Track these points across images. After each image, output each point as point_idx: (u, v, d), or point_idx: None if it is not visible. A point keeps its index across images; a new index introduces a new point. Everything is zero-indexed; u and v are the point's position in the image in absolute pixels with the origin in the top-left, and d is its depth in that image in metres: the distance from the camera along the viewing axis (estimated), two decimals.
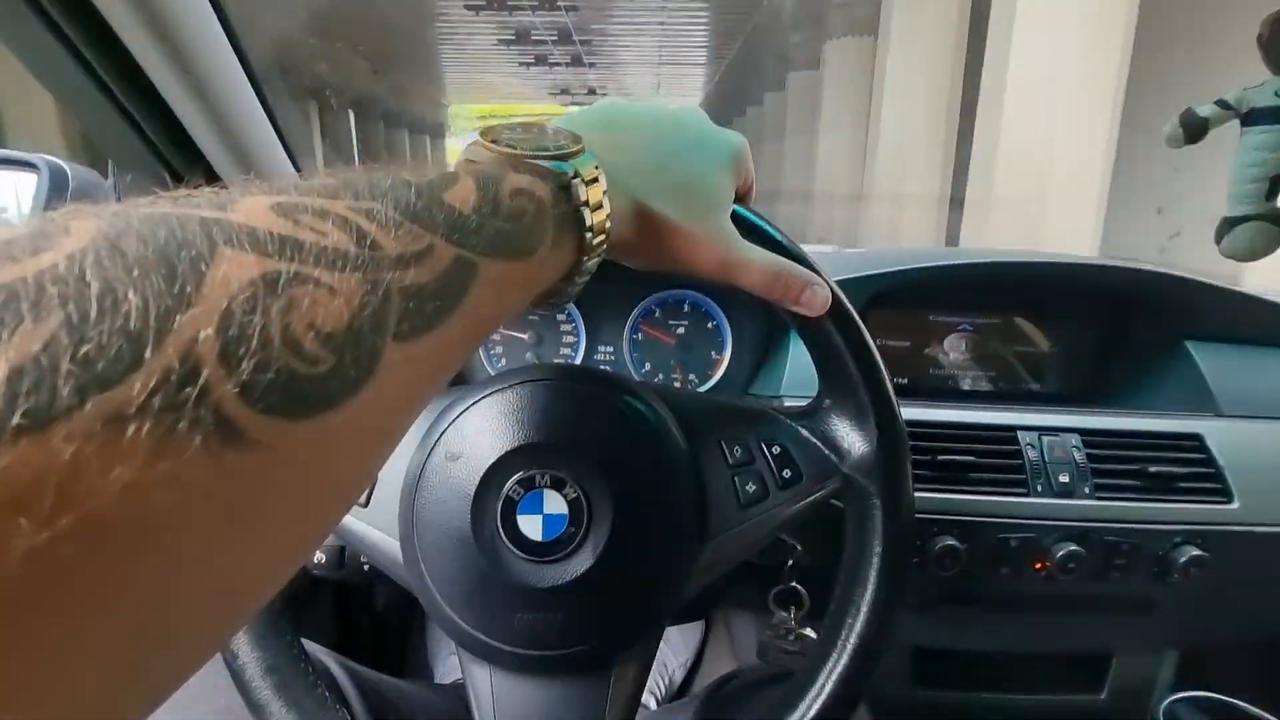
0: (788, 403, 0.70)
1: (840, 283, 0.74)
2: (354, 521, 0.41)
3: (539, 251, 0.26)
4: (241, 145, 0.64)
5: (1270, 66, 0.55)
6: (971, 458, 0.65)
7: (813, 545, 0.62)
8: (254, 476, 0.15)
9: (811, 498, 0.41)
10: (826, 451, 0.41)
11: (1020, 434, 0.67)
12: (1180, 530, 0.63)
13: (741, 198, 0.38)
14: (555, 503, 0.37)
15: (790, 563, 0.58)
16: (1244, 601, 0.68)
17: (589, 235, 0.28)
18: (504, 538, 0.36)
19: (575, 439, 0.38)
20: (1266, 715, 0.67)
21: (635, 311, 0.81)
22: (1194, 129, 0.60)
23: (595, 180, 0.28)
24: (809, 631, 0.56)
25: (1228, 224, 0.60)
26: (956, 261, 0.75)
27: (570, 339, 0.83)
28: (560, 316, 0.83)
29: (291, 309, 0.16)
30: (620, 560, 0.37)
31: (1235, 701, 0.70)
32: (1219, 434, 0.67)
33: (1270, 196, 0.58)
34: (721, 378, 0.80)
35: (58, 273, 0.13)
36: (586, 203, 0.28)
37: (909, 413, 0.69)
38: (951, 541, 0.63)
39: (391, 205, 0.20)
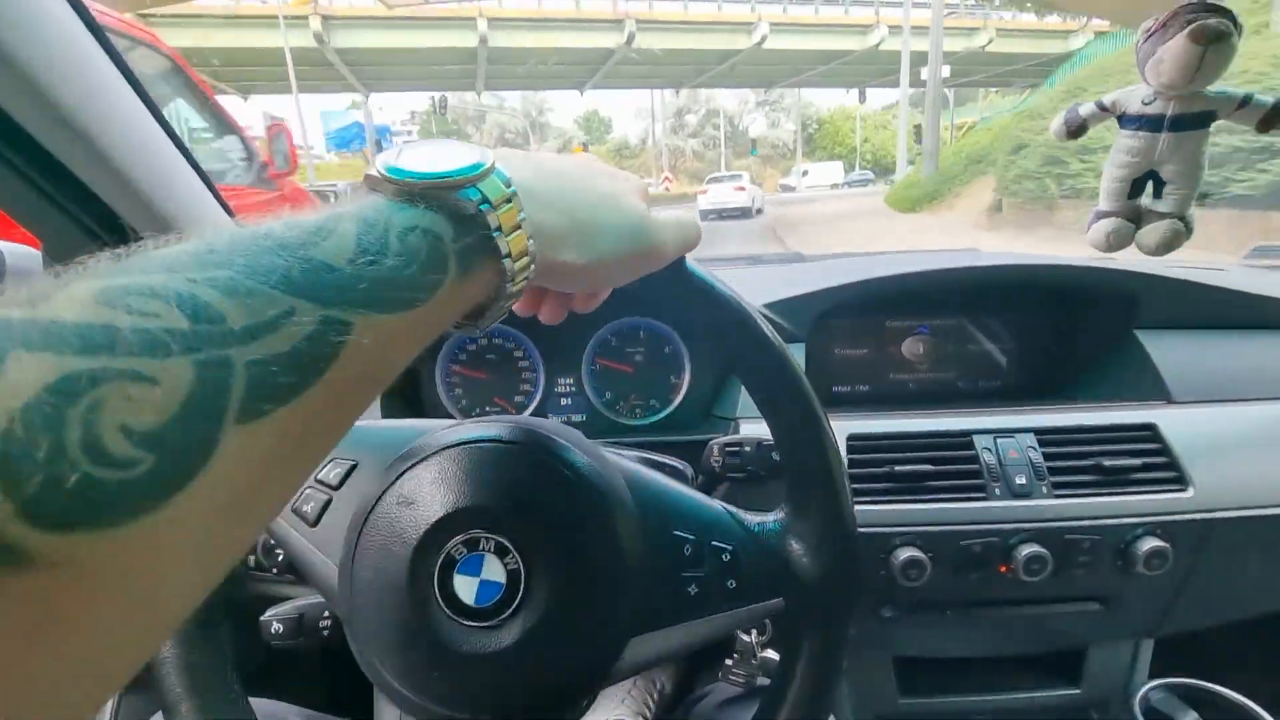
0: (744, 427, 0.70)
1: (795, 300, 0.76)
2: (298, 538, 0.41)
3: (436, 295, 0.23)
4: (161, 203, 0.64)
5: (1142, 76, 0.58)
6: (929, 466, 0.65)
7: None
8: (53, 595, 0.14)
9: (752, 611, 0.40)
10: (776, 569, 0.40)
11: (976, 438, 0.67)
12: (1139, 523, 0.64)
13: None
14: (494, 569, 0.37)
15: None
16: (1209, 588, 0.68)
17: (508, 262, 0.26)
18: (437, 593, 0.36)
19: (529, 510, 0.38)
20: (1241, 698, 0.67)
21: (591, 343, 0.81)
22: (1074, 126, 0.61)
23: (509, 201, 0.26)
24: (770, 654, 0.56)
25: (1096, 216, 0.62)
26: (905, 270, 0.75)
27: (529, 374, 0.83)
28: (518, 354, 0.83)
29: (96, 410, 0.15)
30: (546, 641, 0.36)
31: (1211, 686, 0.70)
32: (1172, 422, 0.68)
33: (1131, 196, 0.60)
34: (683, 400, 0.80)
35: None
36: (499, 228, 0.25)
37: (865, 426, 0.70)
38: (915, 553, 0.63)
39: (243, 269, 0.19)
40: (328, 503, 0.42)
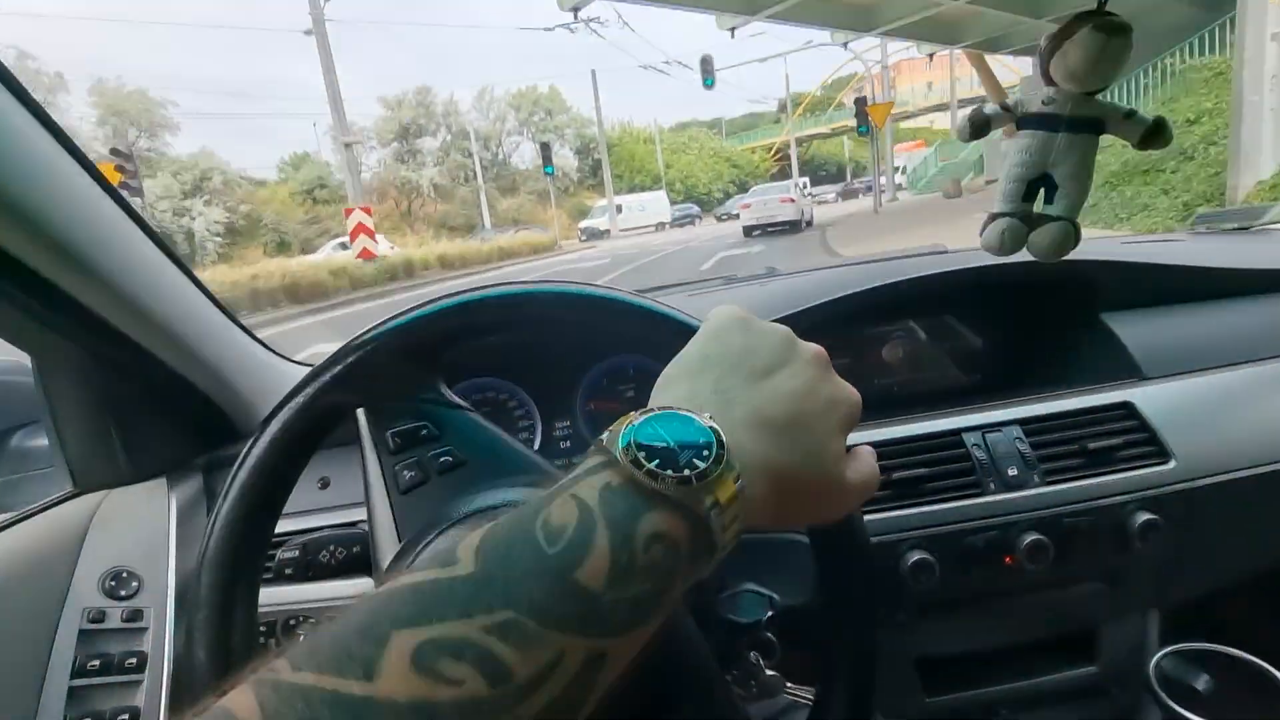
0: None
1: (775, 322, 0.78)
2: (382, 503, 0.46)
3: (667, 603, 0.24)
4: (159, 313, 0.65)
5: (1044, 79, 0.61)
6: (924, 469, 0.67)
7: (788, 588, 0.63)
8: None
9: None
10: None
11: (965, 435, 0.70)
12: (1130, 499, 0.66)
13: None
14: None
15: (769, 615, 0.59)
16: (1203, 554, 0.71)
17: (721, 553, 0.26)
18: None
19: None
20: (1251, 657, 0.70)
21: (583, 386, 0.83)
22: (978, 126, 0.64)
23: (734, 499, 0.26)
24: (771, 672, 0.57)
25: (989, 219, 0.65)
26: (878, 283, 0.78)
27: (525, 422, 0.84)
28: (511, 403, 0.84)
29: None
30: None
31: (1221, 648, 0.72)
32: (1146, 398, 0.71)
33: (1027, 198, 0.63)
34: None
35: None
36: (724, 527, 0.26)
37: (859, 436, 0.71)
38: (922, 555, 0.65)
39: (526, 607, 0.21)
40: (423, 481, 0.45)
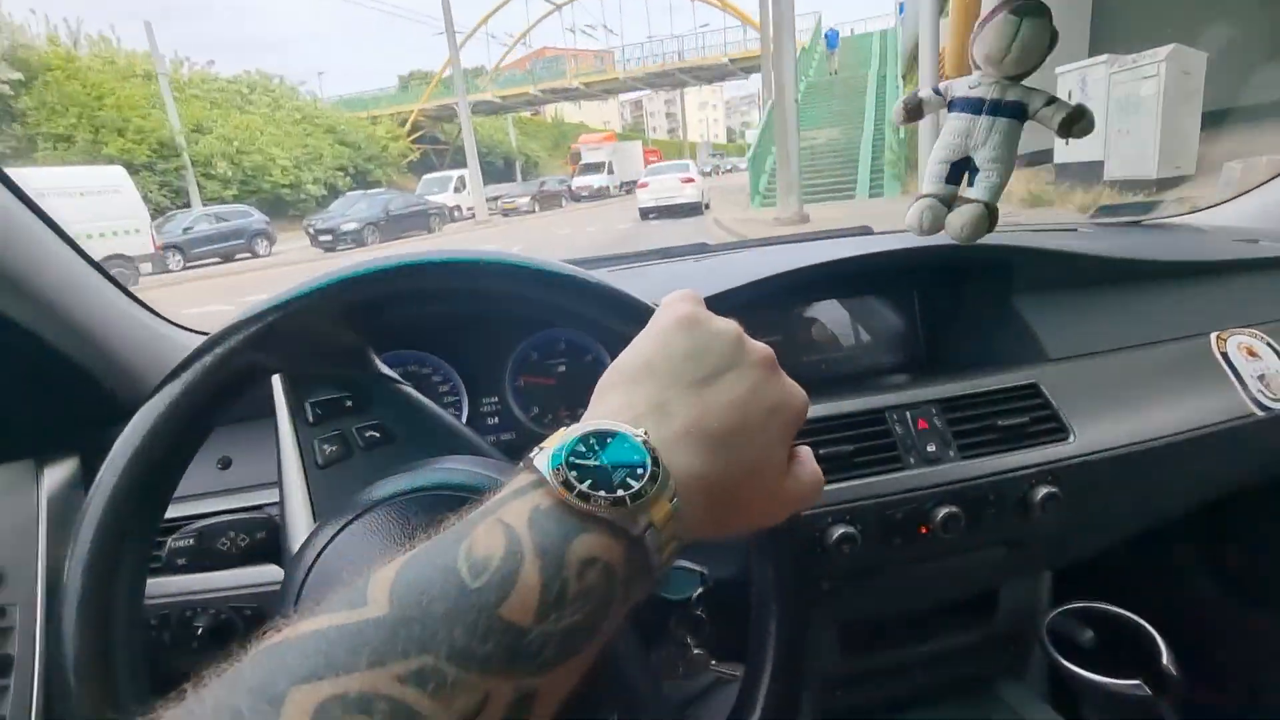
0: None
1: (709, 300, 0.78)
2: (297, 478, 0.42)
3: (604, 630, 0.23)
4: (13, 270, 0.57)
5: (972, 63, 0.63)
6: (850, 446, 0.69)
7: (718, 561, 0.64)
8: None
9: None
10: None
11: (888, 414, 0.72)
12: (1033, 473, 0.70)
13: None
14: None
15: (700, 591, 0.59)
16: (1093, 520, 0.77)
17: (658, 574, 0.26)
18: None
19: None
20: (1128, 613, 0.77)
21: (512, 360, 0.80)
22: (912, 110, 0.66)
23: (670, 518, 0.25)
24: (698, 651, 0.58)
25: (914, 199, 0.68)
26: (809, 263, 0.79)
27: (451, 398, 0.81)
28: (436, 378, 0.80)
29: None
30: None
31: (1103, 606, 0.79)
32: (1050, 378, 0.76)
33: (951, 180, 0.66)
34: None
35: None
36: (659, 547, 0.25)
37: None
38: (846, 528, 0.67)
39: (446, 651, 0.19)
40: (345, 456, 0.42)
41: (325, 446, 0.42)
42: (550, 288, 0.41)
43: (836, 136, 12.95)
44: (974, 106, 0.63)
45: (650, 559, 0.25)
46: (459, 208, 18.21)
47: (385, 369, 0.46)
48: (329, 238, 13.13)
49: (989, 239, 0.82)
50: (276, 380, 0.44)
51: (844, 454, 0.69)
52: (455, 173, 19.04)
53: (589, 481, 0.24)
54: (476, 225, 16.94)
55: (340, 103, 29.49)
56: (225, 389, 0.39)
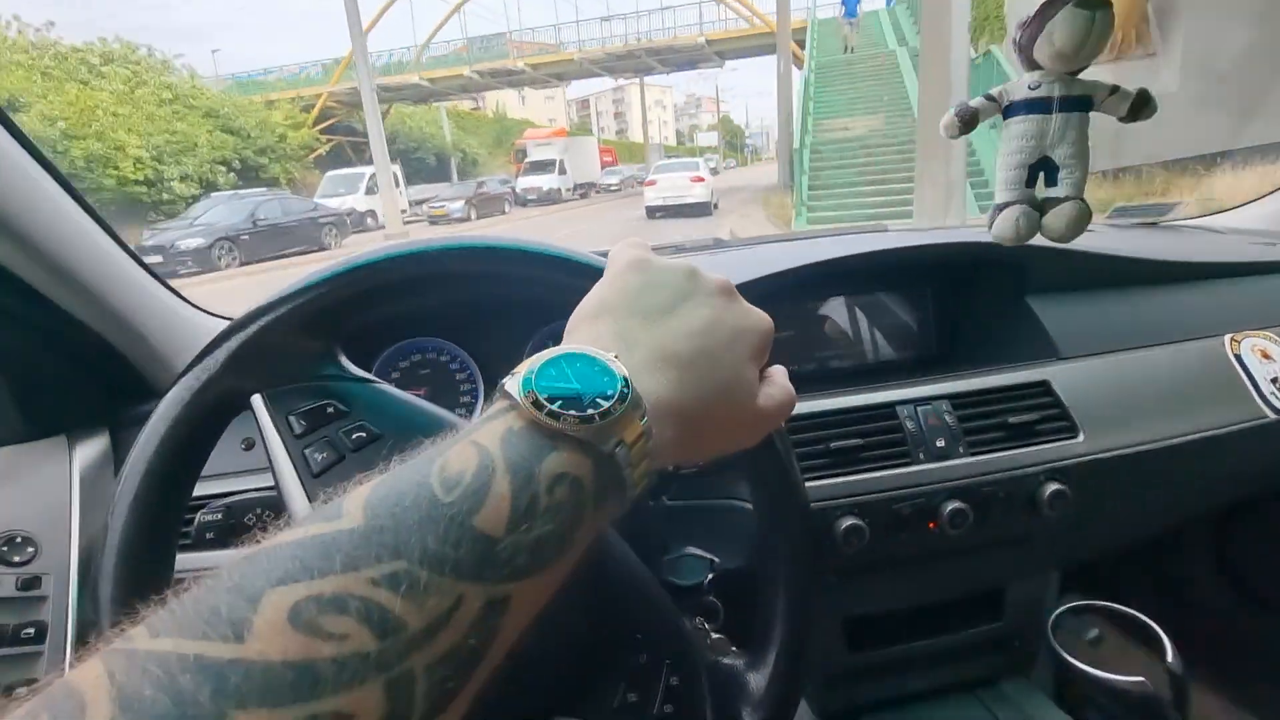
0: None
1: None
2: (294, 484, 0.42)
3: (576, 542, 0.24)
4: (58, 255, 0.59)
5: (1025, 65, 0.63)
6: (859, 440, 0.70)
7: (728, 552, 0.65)
8: None
9: None
10: (715, 712, 0.40)
11: (898, 409, 0.73)
12: (1042, 470, 0.71)
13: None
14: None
15: (710, 577, 0.60)
16: (1102, 520, 0.77)
17: (630, 492, 0.26)
18: None
19: None
20: (1133, 611, 0.77)
21: (529, 347, 0.81)
22: (966, 119, 0.66)
23: (640, 438, 0.25)
24: (718, 635, 0.59)
25: (997, 209, 0.67)
26: (828, 257, 0.79)
27: (468, 385, 0.82)
28: (454, 365, 0.82)
29: None
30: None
31: (1108, 604, 0.80)
32: (1061, 377, 0.76)
33: (1029, 184, 0.65)
34: None
35: None
36: (630, 464, 0.25)
37: (802, 406, 0.74)
38: (854, 521, 0.67)
39: (418, 556, 0.20)
40: (337, 461, 0.42)
41: (316, 455, 0.43)
42: (500, 261, 0.41)
43: (879, 126, 10.33)
44: (1041, 106, 0.63)
45: (622, 475, 0.25)
46: (373, 213, 14.92)
47: (358, 370, 0.46)
48: (159, 258, 8.85)
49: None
50: (257, 400, 0.44)
51: (854, 447, 0.70)
52: (369, 169, 14.96)
53: (559, 402, 0.24)
54: (389, 238, 10.27)
55: (234, 85, 24.06)
56: (211, 416, 0.40)
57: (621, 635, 0.39)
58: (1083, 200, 0.66)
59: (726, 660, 0.42)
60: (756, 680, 0.42)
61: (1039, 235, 0.71)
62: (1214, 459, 0.77)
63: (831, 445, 0.70)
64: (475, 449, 0.23)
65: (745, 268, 0.81)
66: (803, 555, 0.43)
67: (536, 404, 0.24)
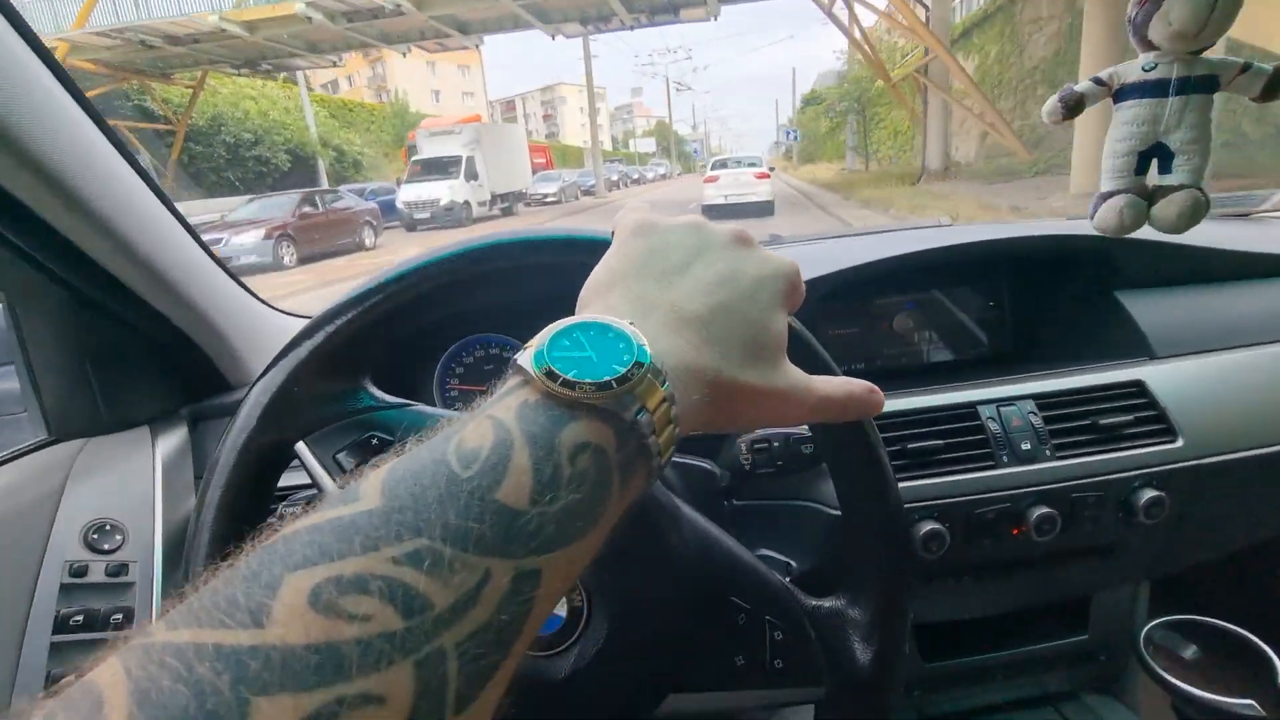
0: None
1: None
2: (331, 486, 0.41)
3: (605, 514, 0.23)
4: (146, 255, 0.60)
5: (1139, 46, 0.58)
6: (939, 441, 0.67)
7: (801, 554, 0.63)
8: None
9: (792, 694, 0.39)
10: (824, 657, 0.39)
11: (980, 409, 0.69)
12: (1137, 475, 0.67)
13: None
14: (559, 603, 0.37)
15: (787, 580, 0.58)
16: (1201, 529, 0.72)
17: (656, 460, 0.25)
18: None
19: (611, 549, 0.37)
20: (1235, 627, 0.72)
21: None
22: (1072, 104, 0.62)
23: (663, 402, 0.24)
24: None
25: (1100, 199, 0.63)
26: (893, 253, 0.77)
27: None
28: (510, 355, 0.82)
29: None
30: (593, 682, 0.36)
31: (1207, 619, 0.75)
32: (1157, 377, 0.71)
33: (1139, 171, 0.60)
34: None
35: None
36: (654, 430, 0.24)
37: None
38: (934, 525, 0.64)
39: (440, 533, 0.19)
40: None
41: None
42: (507, 256, 0.40)
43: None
44: (1157, 89, 0.58)
45: (647, 443, 0.24)
46: None
47: (389, 397, 0.45)
48: None
49: (1083, 228, 0.78)
50: (301, 447, 0.43)
51: (933, 448, 0.67)
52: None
53: (574, 371, 0.23)
54: None
55: None
56: (264, 466, 0.40)
57: (715, 602, 0.38)
58: (1200, 189, 0.61)
59: (827, 603, 0.40)
60: (860, 614, 0.40)
61: (1146, 227, 0.66)
62: None
63: (909, 446, 0.67)
64: (491, 423, 0.22)
65: (808, 265, 0.78)
66: (892, 494, 0.41)
67: (550, 375, 0.23)
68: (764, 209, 11.72)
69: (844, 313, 0.87)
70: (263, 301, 0.81)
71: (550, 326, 0.25)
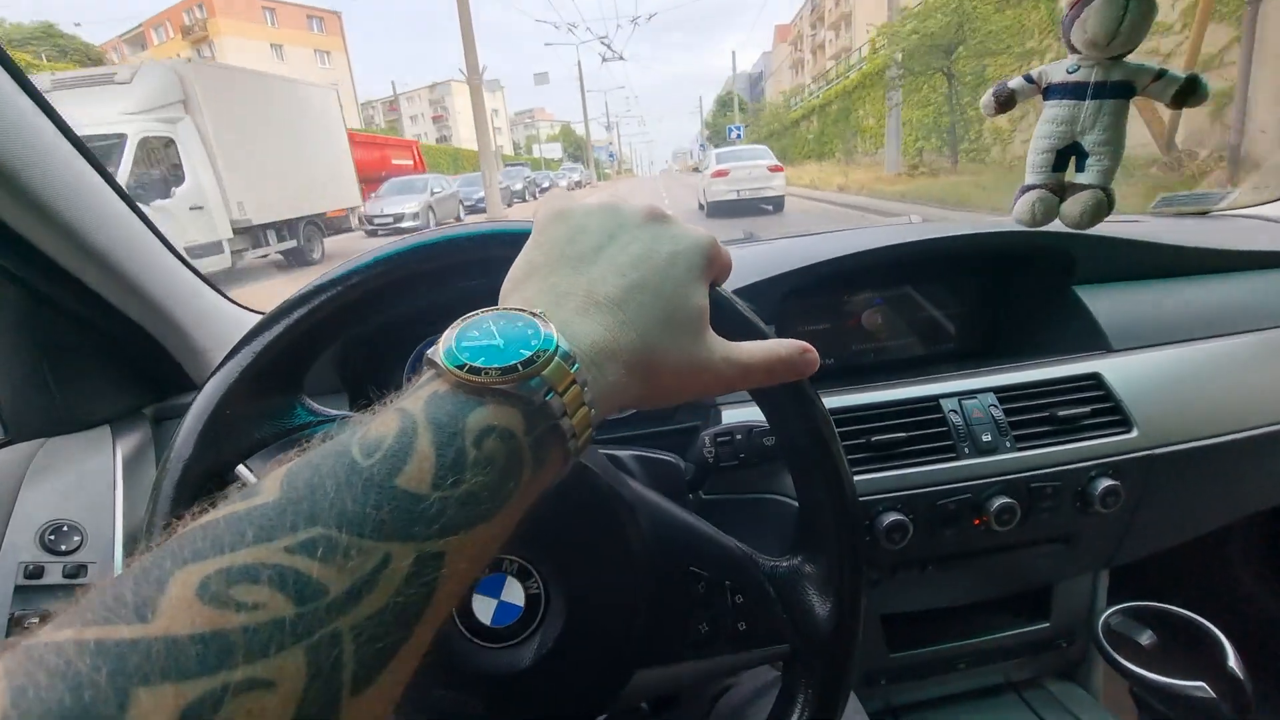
0: (725, 412, 0.71)
1: (760, 284, 0.77)
2: None
3: (516, 495, 0.23)
4: (105, 251, 0.59)
5: (1068, 48, 0.61)
6: (903, 433, 0.68)
7: (768, 547, 0.64)
8: None
9: (756, 657, 0.40)
10: (787, 615, 0.40)
11: (942, 402, 0.70)
12: (1094, 465, 0.68)
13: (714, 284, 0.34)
14: (514, 592, 0.37)
15: None
16: (1156, 517, 0.74)
17: (573, 443, 0.25)
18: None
19: (555, 535, 0.36)
20: (1186, 612, 0.74)
21: None
22: (1003, 100, 0.64)
23: (572, 384, 0.25)
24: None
25: (1021, 191, 0.66)
26: (861, 249, 0.78)
27: None
28: None
29: None
30: (557, 669, 0.36)
31: (1164, 606, 0.77)
32: (1113, 369, 0.73)
33: (1058, 168, 0.63)
34: None
35: None
36: (565, 412, 0.24)
37: (838, 400, 0.72)
38: (897, 516, 0.66)
39: (336, 521, 0.19)
40: None
41: None
42: (432, 258, 0.39)
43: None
44: (1076, 91, 0.61)
45: (559, 425, 0.24)
46: None
47: (325, 410, 0.43)
48: None
49: (1053, 227, 0.80)
50: (242, 470, 0.43)
51: (896, 441, 0.68)
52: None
53: (482, 359, 0.24)
54: None
55: None
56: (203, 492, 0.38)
57: (674, 574, 0.39)
58: (1104, 190, 0.64)
59: (784, 563, 0.41)
60: (815, 569, 0.40)
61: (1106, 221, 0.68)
62: (1276, 455, 0.74)
63: (873, 439, 0.68)
64: (398, 414, 0.22)
65: (779, 260, 0.79)
66: (832, 446, 0.40)
67: (458, 364, 0.23)
68: (777, 204, 10.90)
69: (814, 309, 0.88)
70: (226, 297, 0.80)
71: (460, 319, 0.26)
